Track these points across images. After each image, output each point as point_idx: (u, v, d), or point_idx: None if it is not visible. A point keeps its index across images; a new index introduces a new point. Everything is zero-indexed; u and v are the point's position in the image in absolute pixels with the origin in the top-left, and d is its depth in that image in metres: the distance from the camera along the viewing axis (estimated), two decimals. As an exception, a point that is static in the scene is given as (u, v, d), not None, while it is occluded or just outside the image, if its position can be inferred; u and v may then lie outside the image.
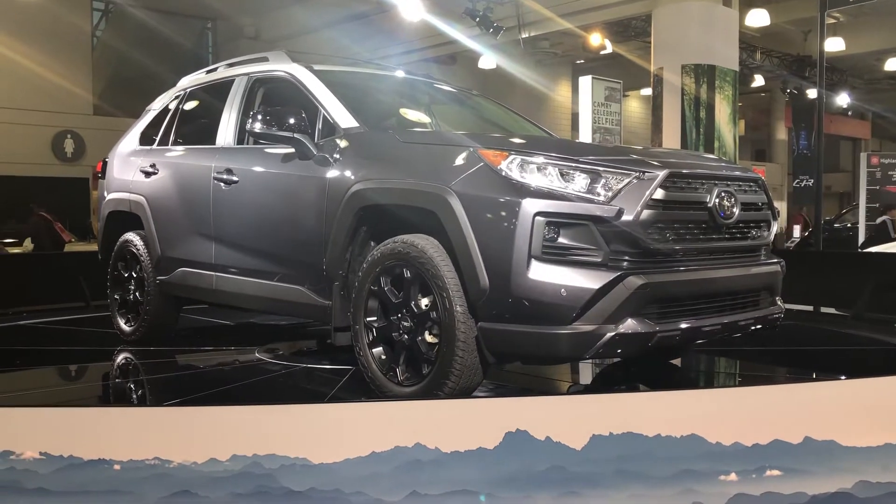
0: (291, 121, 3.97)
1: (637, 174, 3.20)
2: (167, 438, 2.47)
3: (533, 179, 3.18)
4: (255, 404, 2.77)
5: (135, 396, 4.37)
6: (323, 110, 4.14)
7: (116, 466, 2.43)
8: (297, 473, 2.42)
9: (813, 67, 19.86)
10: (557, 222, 3.11)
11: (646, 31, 17.60)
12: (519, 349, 3.21)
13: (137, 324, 5.42)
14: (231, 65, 5.36)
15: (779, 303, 3.84)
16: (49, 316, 7.25)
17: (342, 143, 3.92)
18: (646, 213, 3.16)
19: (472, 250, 3.17)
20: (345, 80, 4.62)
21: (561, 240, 3.11)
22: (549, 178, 3.18)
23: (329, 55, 5.27)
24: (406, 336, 3.47)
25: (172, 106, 5.62)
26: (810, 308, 7.47)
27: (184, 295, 5.16)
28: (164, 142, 5.50)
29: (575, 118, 19.83)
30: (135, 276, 5.46)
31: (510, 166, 3.22)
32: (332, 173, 3.87)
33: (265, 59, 4.99)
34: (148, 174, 5.32)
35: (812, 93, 20.77)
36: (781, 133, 25.59)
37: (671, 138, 12.22)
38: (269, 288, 4.27)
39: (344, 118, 4.04)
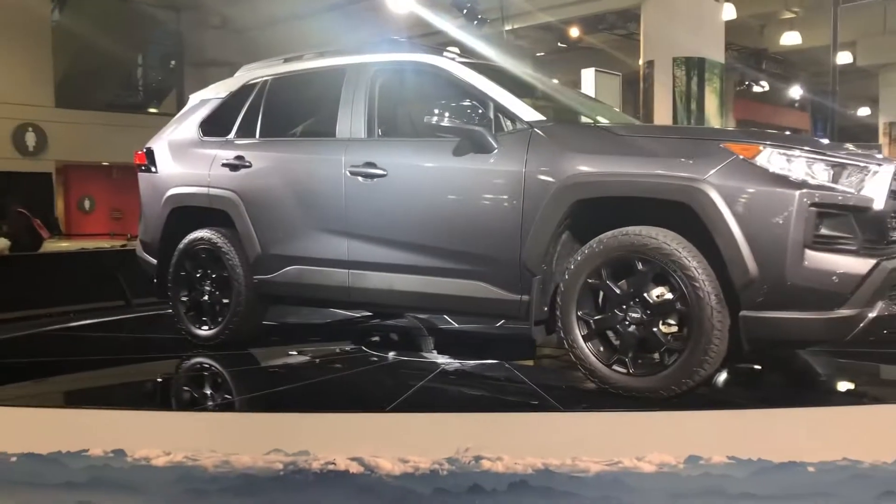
0: (472, 114, 3.96)
1: (875, 166, 3.39)
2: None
3: (793, 172, 3.32)
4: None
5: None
6: (494, 103, 4.10)
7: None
8: None
9: (768, 60, 20.60)
10: (824, 213, 3.27)
11: (616, 24, 17.92)
12: (780, 335, 3.34)
13: (221, 327, 5.10)
14: (323, 54, 5.14)
15: None
16: (89, 317, 6.89)
17: (534, 136, 3.89)
18: (890, 203, 3.37)
19: (739, 241, 3.28)
20: (487, 72, 4.50)
21: (824, 229, 3.28)
22: (806, 171, 3.33)
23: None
24: (635, 327, 3.52)
25: (250, 96, 5.29)
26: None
27: (293, 293, 4.92)
28: (246, 133, 5.21)
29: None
30: (213, 276, 5.18)
31: (767, 159, 3.34)
32: (528, 167, 3.83)
33: (382, 50, 4.84)
34: (235, 167, 5.06)
35: (763, 85, 21.52)
36: (730, 125, 26.36)
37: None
38: (436, 284, 4.15)
39: (525, 111, 4.02)
